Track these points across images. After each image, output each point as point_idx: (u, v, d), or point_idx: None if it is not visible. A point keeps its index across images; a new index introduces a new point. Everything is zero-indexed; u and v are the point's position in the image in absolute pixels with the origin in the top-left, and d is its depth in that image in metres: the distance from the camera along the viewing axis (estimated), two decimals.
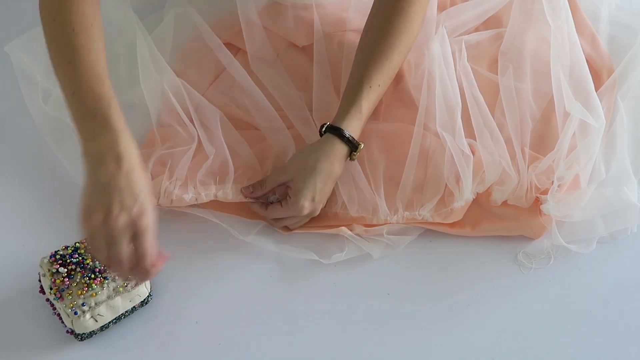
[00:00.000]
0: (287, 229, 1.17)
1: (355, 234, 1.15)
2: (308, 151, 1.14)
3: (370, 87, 1.14)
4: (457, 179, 1.15)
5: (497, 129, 1.18)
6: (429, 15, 1.25)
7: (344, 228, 1.14)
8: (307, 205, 1.12)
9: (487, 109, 1.19)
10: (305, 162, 1.12)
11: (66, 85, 1.04)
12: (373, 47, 1.15)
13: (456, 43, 1.24)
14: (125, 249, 0.96)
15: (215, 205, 1.17)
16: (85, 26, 1.04)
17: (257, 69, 1.27)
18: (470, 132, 1.18)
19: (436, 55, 1.20)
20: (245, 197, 1.16)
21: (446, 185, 1.16)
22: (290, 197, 1.12)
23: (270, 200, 1.16)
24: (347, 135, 1.12)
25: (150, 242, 0.97)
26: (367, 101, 1.14)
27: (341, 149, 1.13)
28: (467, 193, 1.15)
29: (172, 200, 1.17)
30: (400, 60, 1.17)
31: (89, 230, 0.97)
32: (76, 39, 1.04)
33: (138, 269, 0.98)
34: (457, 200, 1.15)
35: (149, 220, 0.97)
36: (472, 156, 1.15)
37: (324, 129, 1.14)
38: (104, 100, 1.01)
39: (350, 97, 1.14)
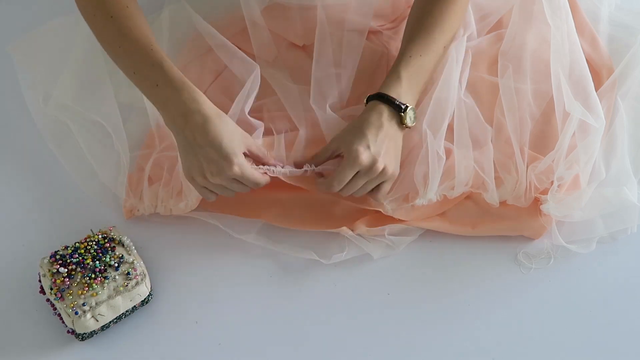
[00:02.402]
0: (367, 201, 1.15)
1: (356, 234, 1.15)
2: (353, 121, 1.13)
3: (411, 56, 1.13)
4: (425, 178, 1.15)
5: (490, 134, 1.18)
6: (466, 21, 1.24)
7: (345, 228, 1.14)
8: (362, 150, 1.08)
9: (479, 114, 1.19)
10: (351, 125, 1.12)
11: (126, 68, 1.11)
12: (414, 24, 1.16)
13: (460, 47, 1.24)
14: (230, 192, 1.10)
15: (214, 205, 1.17)
16: (121, 8, 1.10)
17: (263, 70, 1.27)
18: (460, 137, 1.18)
19: (449, 56, 1.20)
20: (297, 168, 1.14)
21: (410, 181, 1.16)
22: (344, 155, 1.10)
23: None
24: (386, 96, 1.11)
25: (249, 176, 1.07)
26: (406, 68, 1.13)
27: (383, 108, 1.11)
28: (430, 193, 1.15)
29: (170, 210, 1.17)
30: (444, 37, 1.15)
31: (196, 188, 1.11)
32: (117, 24, 1.10)
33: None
34: (420, 197, 1.15)
35: (239, 165, 1.06)
36: (444, 159, 1.15)
37: (365, 100, 1.14)
38: (156, 67, 1.08)
39: (392, 67, 1.14)
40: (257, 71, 1.22)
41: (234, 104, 1.19)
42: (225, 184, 1.08)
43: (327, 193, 1.13)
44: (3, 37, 1.36)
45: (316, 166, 1.13)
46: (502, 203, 1.16)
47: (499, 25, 1.29)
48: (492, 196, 1.15)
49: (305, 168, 1.13)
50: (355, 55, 1.25)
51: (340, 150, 1.11)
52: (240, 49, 1.30)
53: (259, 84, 1.21)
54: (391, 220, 1.16)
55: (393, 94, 1.11)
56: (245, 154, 1.09)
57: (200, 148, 1.06)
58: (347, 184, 1.10)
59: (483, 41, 1.26)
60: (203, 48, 1.29)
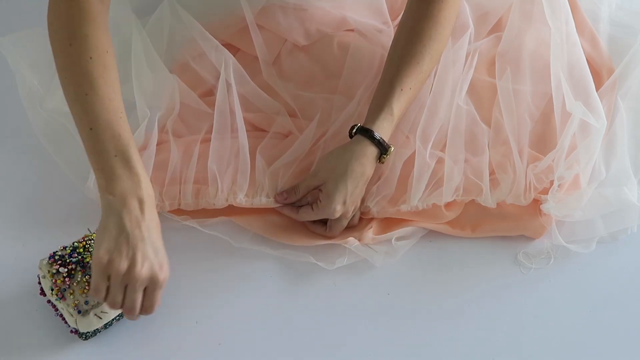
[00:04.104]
0: (322, 233, 1.16)
1: (364, 244, 1.14)
2: (338, 153, 1.13)
3: (402, 89, 1.13)
4: (411, 184, 1.16)
5: (487, 138, 1.18)
6: (464, 21, 1.24)
7: (351, 239, 1.14)
8: (339, 208, 1.11)
9: (478, 120, 1.19)
10: (336, 164, 1.11)
11: (82, 118, 1.00)
12: (404, 50, 1.15)
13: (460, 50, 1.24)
14: (139, 299, 0.98)
15: (212, 211, 1.18)
16: (101, 53, 1.01)
17: (266, 72, 1.27)
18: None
19: (449, 62, 1.20)
20: (279, 203, 1.15)
21: (400, 186, 1.16)
22: (321, 201, 1.11)
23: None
24: (378, 138, 1.11)
25: (159, 296, 1.00)
26: (398, 104, 1.13)
27: (371, 151, 1.12)
28: (414, 200, 1.15)
29: None
30: (432, 65, 1.16)
31: (108, 273, 0.97)
32: (93, 68, 1.00)
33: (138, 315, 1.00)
34: (402, 203, 1.16)
35: (167, 276, 0.99)
36: (431, 166, 1.15)
37: (354, 130, 1.13)
38: (123, 139, 1.00)
39: (381, 99, 1.14)
40: (232, 60, 1.22)
41: (217, 97, 1.19)
42: (139, 286, 0.97)
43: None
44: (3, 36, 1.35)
45: (296, 200, 1.15)
46: (502, 203, 1.16)
47: (498, 26, 1.29)
48: (486, 199, 1.15)
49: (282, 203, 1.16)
50: (359, 60, 1.25)
51: (319, 188, 1.12)
52: (239, 49, 1.31)
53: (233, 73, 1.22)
54: (395, 224, 1.16)
55: (383, 133, 1.12)
56: None
57: (141, 241, 0.97)
58: (327, 227, 1.15)
59: (483, 43, 1.26)
60: (202, 48, 1.29)
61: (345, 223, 1.15)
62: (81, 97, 1.00)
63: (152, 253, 0.98)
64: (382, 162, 1.14)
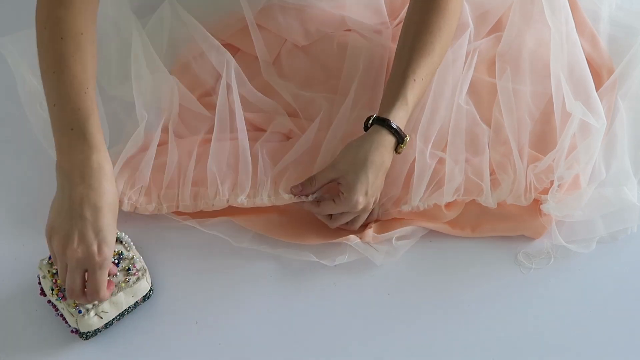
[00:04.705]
0: (339, 227, 1.15)
1: (364, 242, 1.14)
2: (357, 145, 1.11)
3: (415, 80, 1.13)
4: (412, 185, 1.16)
5: (488, 138, 1.18)
6: (464, 20, 1.24)
7: (352, 236, 1.14)
8: (361, 199, 1.09)
9: (478, 120, 1.19)
10: (356, 155, 1.10)
11: (49, 95, 1.03)
12: (413, 42, 1.14)
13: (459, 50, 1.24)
14: (78, 280, 0.98)
15: (210, 212, 1.17)
16: (74, 34, 1.04)
17: (266, 72, 1.27)
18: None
19: (449, 61, 1.20)
20: (295, 195, 1.13)
21: (402, 187, 1.16)
22: (342, 193, 1.10)
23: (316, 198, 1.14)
24: (395, 127, 1.10)
25: (103, 279, 0.98)
26: (412, 93, 1.12)
27: (389, 140, 1.11)
28: (414, 201, 1.15)
29: (136, 208, 1.17)
30: (441, 57, 1.16)
31: (50, 250, 1.00)
32: (63, 48, 1.03)
33: (88, 298, 1.00)
34: (403, 203, 1.16)
35: (106, 257, 0.98)
36: (432, 166, 1.15)
37: (370, 121, 1.13)
38: (82, 113, 1.01)
39: (395, 89, 1.13)
40: (232, 61, 1.23)
41: (218, 98, 1.19)
42: (76, 266, 0.97)
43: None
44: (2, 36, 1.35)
45: (312, 192, 1.13)
46: (502, 203, 1.16)
47: (498, 26, 1.29)
48: (487, 200, 1.15)
49: (302, 199, 1.14)
50: (358, 60, 1.25)
51: (338, 181, 1.11)
52: (239, 49, 1.31)
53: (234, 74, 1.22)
54: (395, 223, 1.16)
55: (400, 122, 1.11)
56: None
57: (80, 219, 0.97)
58: (349, 223, 1.14)
59: (483, 43, 1.26)
60: (202, 49, 1.29)
61: (365, 217, 1.14)
62: (49, 75, 1.03)
63: (92, 233, 0.97)
64: (399, 153, 1.13)
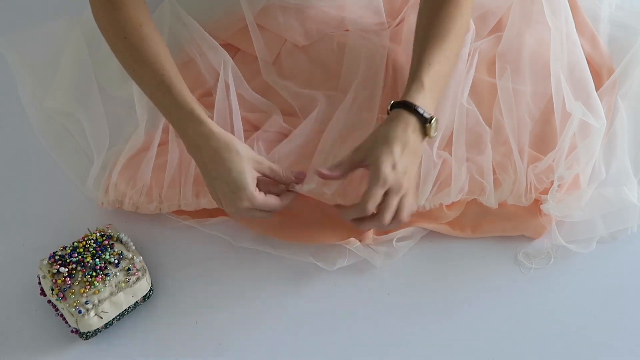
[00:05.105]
0: (379, 232, 1.14)
1: (365, 244, 1.14)
2: (379, 127, 1.09)
3: (430, 64, 1.11)
4: (418, 185, 1.15)
5: (489, 137, 1.18)
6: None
7: (352, 239, 1.13)
8: (389, 173, 1.05)
9: (480, 119, 1.19)
10: (377, 134, 1.08)
11: (142, 87, 1.13)
12: (426, 30, 1.13)
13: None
14: (259, 214, 1.09)
15: (211, 211, 1.17)
16: (134, 29, 1.11)
17: (266, 72, 1.27)
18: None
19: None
20: (321, 178, 1.10)
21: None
22: (370, 172, 1.06)
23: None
24: (413, 105, 1.08)
25: (262, 206, 1.07)
26: (428, 76, 1.10)
27: (411, 119, 1.08)
28: (421, 200, 1.15)
29: (137, 207, 1.17)
30: (458, 42, 1.15)
31: (226, 210, 1.10)
32: (129, 45, 1.11)
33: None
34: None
35: (247, 201, 1.06)
36: (438, 166, 1.15)
37: (389, 107, 1.11)
38: (167, 94, 1.09)
39: (412, 75, 1.12)
40: (229, 61, 1.24)
41: (216, 98, 1.20)
42: (243, 214, 1.08)
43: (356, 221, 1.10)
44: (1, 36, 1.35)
45: (338, 177, 1.09)
46: (503, 203, 1.16)
47: (499, 26, 1.29)
48: (489, 199, 1.15)
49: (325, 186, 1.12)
50: (357, 60, 1.25)
51: (364, 162, 1.08)
52: (239, 49, 1.31)
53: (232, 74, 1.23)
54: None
55: (419, 102, 1.08)
56: (259, 179, 1.09)
57: (213, 179, 1.07)
58: (382, 206, 1.07)
59: (484, 43, 1.26)
60: (201, 49, 1.29)
61: (395, 203, 1.07)
62: (132, 71, 1.12)
63: (233, 185, 1.06)
64: (430, 135, 1.09)
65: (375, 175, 1.05)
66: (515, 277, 1.13)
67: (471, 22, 1.25)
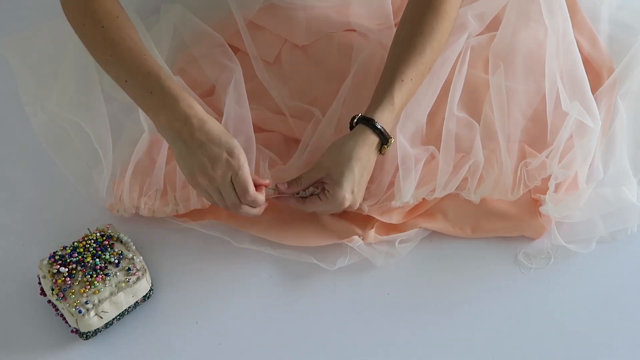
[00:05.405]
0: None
1: (367, 244, 1.14)
2: (341, 143, 1.11)
3: (403, 80, 1.12)
4: (399, 182, 1.15)
5: (478, 133, 1.18)
6: (463, 20, 1.24)
7: (356, 237, 1.13)
8: (348, 196, 1.10)
9: (471, 120, 1.19)
10: (340, 153, 1.10)
11: (117, 76, 1.10)
12: (405, 42, 1.14)
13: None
14: (232, 193, 1.07)
15: (210, 213, 1.18)
16: (112, 19, 1.11)
17: (260, 73, 1.27)
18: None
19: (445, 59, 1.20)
20: (281, 193, 1.13)
21: (392, 183, 1.16)
22: (329, 191, 1.10)
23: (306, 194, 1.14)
24: (379, 127, 1.11)
25: (246, 177, 1.06)
26: (400, 94, 1.12)
27: (373, 139, 1.11)
28: (405, 196, 1.15)
29: (153, 212, 1.17)
30: (433, 57, 1.16)
31: (200, 192, 1.09)
32: (108, 33, 1.10)
33: (248, 205, 1.08)
34: (395, 199, 1.16)
35: (239, 158, 1.06)
36: (421, 161, 1.16)
37: (355, 120, 1.13)
38: (152, 75, 1.08)
39: (383, 90, 1.13)
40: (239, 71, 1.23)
41: (227, 100, 1.19)
42: (222, 183, 1.06)
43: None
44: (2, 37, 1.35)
45: (298, 192, 1.13)
46: (503, 203, 1.16)
47: (497, 24, 1.29)
48: (469, 194, 1.15)
49: (293, 194, 1.13)
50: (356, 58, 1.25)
51: (324, 180, 1.11)
52: (239, 49, 1.31)
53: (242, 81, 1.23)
54: (398, 227, 1.16)
55: (385, 123, 1.11)
56: None
57: (200, 147, 1.05)
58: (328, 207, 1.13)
59: (480, 40, 1.26)
60: (204, 48, 1.29)
61: (340, 211, 1.14)
62: (109, 60, 1.10)
63: (217, 149, 1.05)
64: (383, 154, 1.13)
65: (333, 198, 1.10)
66: (515, 277, 1.13)
67: (470, 19, 1.25)
